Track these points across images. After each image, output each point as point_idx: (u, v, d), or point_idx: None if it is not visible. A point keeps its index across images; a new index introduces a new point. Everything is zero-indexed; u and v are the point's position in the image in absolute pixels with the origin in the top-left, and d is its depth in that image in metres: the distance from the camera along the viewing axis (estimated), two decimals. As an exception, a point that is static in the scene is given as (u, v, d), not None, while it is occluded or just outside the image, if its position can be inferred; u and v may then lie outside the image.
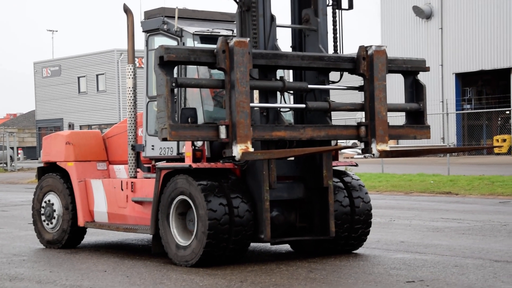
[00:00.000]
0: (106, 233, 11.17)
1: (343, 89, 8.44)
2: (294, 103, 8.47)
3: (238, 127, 7.34)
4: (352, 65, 7.96)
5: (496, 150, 33.07)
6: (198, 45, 8.54)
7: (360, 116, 34.82)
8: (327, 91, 8.19)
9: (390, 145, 7.92)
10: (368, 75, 7.90)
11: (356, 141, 8.22)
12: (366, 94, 7.94)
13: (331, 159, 8.17)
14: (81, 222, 9.63)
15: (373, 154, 7.86)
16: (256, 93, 7.92)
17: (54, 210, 9.88)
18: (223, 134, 7.40)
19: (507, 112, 34.36)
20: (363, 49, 7.92)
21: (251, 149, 7.36)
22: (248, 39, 7.50)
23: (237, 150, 7.33)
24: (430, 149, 8.93)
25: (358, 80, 8.16)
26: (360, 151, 8.31)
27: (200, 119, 8.33)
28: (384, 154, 7.85)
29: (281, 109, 8.02)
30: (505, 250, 8.65)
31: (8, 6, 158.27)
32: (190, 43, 8.54)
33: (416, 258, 8.19)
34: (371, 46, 7.90)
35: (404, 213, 13.34)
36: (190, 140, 7.90)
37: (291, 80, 8.49)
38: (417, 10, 35.42)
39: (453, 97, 34.27)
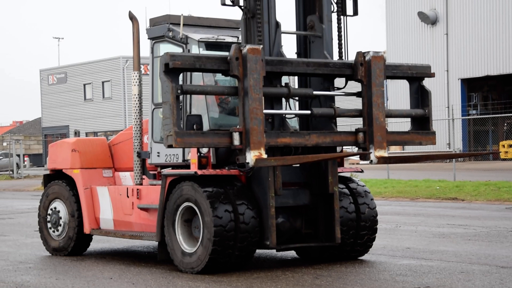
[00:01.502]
0: (112, 240, 11.18)
1: (346, 95, 8.42)
2: (299, 109, 8.47)
3: (251, 134, 7.37)
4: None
5: (502, 156, 33.00)
6: (204, 52, 8.57)
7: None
8: (332, 98, 8.19)
9: (394, 151, 7.92)
10: (366, 81, 7.89)
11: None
12: (364, 100, 7.93)
13: (336, 165, 8.17)
14: (87, 229, 9.65)
15: (371, 161, 7.84)
16: (261, 99, 7.93)
17: (60, 218, 9.90)
18: (236, 140, 7.44)
19: (513, 117, 34.28)
20: (360, 55, 7.92)
21: (265, 156, 7.40)
22: (261, 46, 7.52)
23: (251, 157, 7.36)
24: (428, 155, 8.91)
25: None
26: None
27: (206, 126, 8.34)
28: (382, 160, 7.83)
29: (286, 116, 8.03)
30: (511, 256, 8.63)
31: (14, 14, 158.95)
32: (195, 50, 8.56)
33: (422, 265, 8.17)
34: (368, 52, 7.90)
35: (410, 219, 13.32)
36: (196, 147, 7.91)
37: (296, 86, 8.50)
38: (422, 16, 35.41)
39: (459, 102, 34.22)
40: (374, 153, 7.81)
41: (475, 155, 9.61)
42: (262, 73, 7.46)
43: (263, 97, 7.48)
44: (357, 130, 7.95)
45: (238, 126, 7.52)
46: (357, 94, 8.11)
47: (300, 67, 7.86)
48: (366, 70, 7.88)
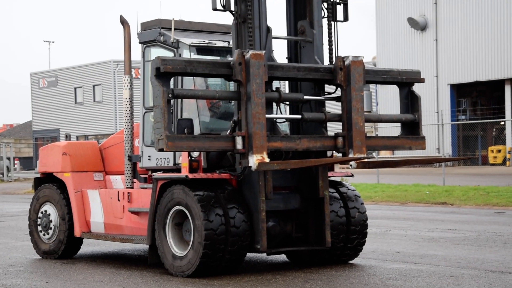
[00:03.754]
0: (102, 243, 11.18)
1: (326, 99, 8.30)
2: (290, 114, 8.52)
3: (254, 138, 7.42)
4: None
5: (491, 161, 33.20)
6: (195, 56, 8.59)
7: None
8: (322, 102, 8.24)
9: (384, 156, 7.97)
10: (345, 85, 7.92)
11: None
12: (344, 105, 7.96)
13: (327, 169, 8.21)
14: (77, 233, 9.65)
15: (350, 165, 7.88)
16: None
17: (51, 221, 9.90)
18: (239, 144, 7.49)
19: (502, 123, 34.50)
20: (340, 59, 7.95)
21: (267, 160, 7.44)
22: (264, 51, 7.57)
23: (253, 161, 7.40)
24: (406, 160, 8.92)
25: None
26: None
27: (197, 130, 8.37)
28: (361, 165, 7.87)
29: (277, 120, 8.07)
30: (500, 260, 8.69)
31: (4, 17, 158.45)
32: (186, 54, 8.59)
33: (411, 269, 8.22)
34: (348, 56, 7.93)
35: (399, 223, 13.38)
36: (187, 151, 7.93)
37: (287, 91, 8.54)
38: (412, 22, 35.57)
39: (448, 108, 34.38)
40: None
41: (454, 160, 9.65)
42: (264, 78, 7.52)
43: (265, 102, 7.54)
44: (336, 135, 7.97)
45: (241, 131, 7.53)
46: (337, 99, 8.14)
47: (291, 72, 7.90)
48: (346, 75, 7.90)
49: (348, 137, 7.88)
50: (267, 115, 7.88)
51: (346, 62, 7.89)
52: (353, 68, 7.86)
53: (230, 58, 8.64)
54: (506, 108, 33.07)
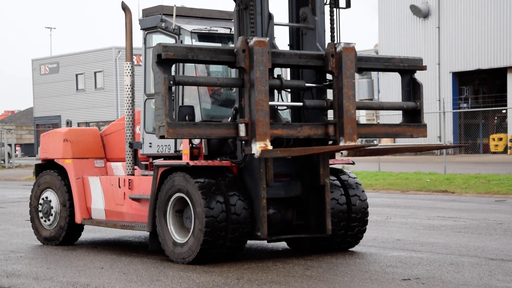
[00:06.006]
0: (103, 230, 11.19)
1: (318, 86, 8.24)
2: (291, 101, 8.50)
3: (257, 125, 7.41)
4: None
5: (492, 149, 33.20)
6: (196, 43, 8.57)
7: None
8: (324, 90, 8.21)
9: (385, 144, 7.94)
10: (337, 72, 7.88)
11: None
12: (335, 92, 7.91)
13: (328, 157, 8.20)
14: (78, 219, 9.66)
15: (341, 153, 7.87)
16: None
17: (52, 207, 9.91)
18: (242, 132, 7.47)
19: (504, 111, 34.45)
20: (331, 46, 7.90)
21: (270, 147, 7.43)
22: (268, 38, 7.53)
23: (256, 148, 7.40)
24: (398, 148, 8.89)
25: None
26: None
27: (198, 117, 8.36)
28: (352, 153, 7.86)
29: (278, 107, 8.06)
30: (500, 248, 8.70)
31: (6, 3, 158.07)
32: (188, 41, 8.56)
33: (412, 256, 8.23)
34: (340, 43, 7.88)
35: (400, 211, 13.39)
36: (188, 138, 7.93)
37: (288, 78, 8.52)
38: (415, 9, 35.45)
39: (450, 96, 34.33)
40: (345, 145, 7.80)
41: (448, 148, 9.64)
42: (268, 65, 7.50)
43: (268, 89, 7.51)
44: (327, 122, 7.94)
45: (245, 118, 7.52)
46: (329, 86, 8.10)
47: (292, 59, 7.87)
48: (337, 62, 7.86)
49: (339, 125, 7.85)
50: (274, 103, 7.86)
51: (338, 49, 7.85)
52: (344, 55, 7.81)
53: (231, 45, 8.63)
54: (508, 96, 33.02)
